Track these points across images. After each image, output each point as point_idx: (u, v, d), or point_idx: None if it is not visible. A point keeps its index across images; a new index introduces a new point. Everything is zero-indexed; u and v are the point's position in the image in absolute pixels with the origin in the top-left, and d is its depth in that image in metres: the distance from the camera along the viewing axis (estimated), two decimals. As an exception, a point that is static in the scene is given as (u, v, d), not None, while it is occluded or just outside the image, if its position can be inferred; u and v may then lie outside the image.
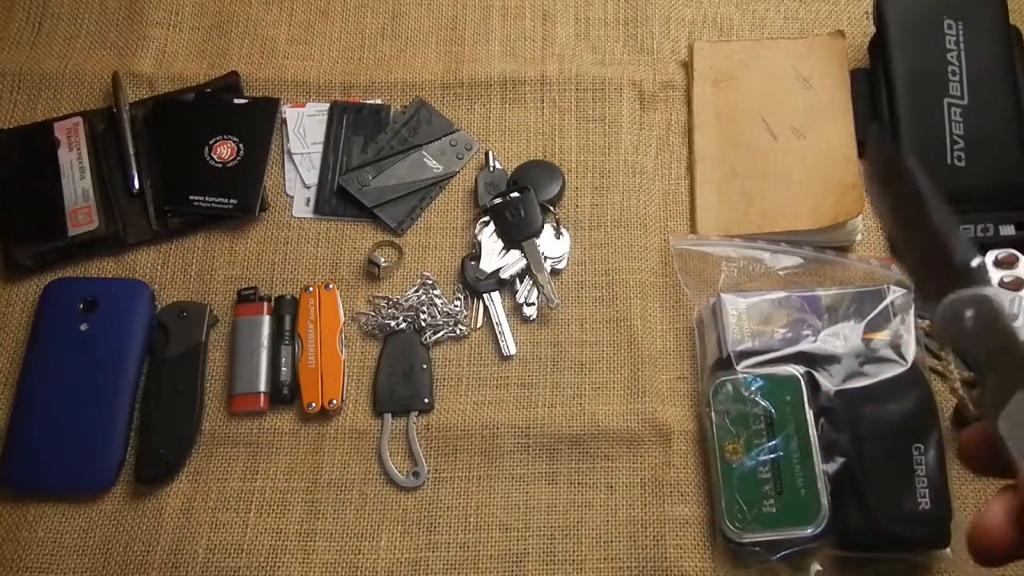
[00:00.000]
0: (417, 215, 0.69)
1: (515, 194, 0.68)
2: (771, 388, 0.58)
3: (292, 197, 0.70)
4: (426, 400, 0.63)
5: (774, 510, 0.56)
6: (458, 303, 0.66)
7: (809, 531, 0.55)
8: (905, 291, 0.60)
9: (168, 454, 0.61)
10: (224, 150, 0.70)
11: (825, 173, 0.66)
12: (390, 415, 0.63)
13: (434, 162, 0.71)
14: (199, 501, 0.61)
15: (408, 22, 0.76)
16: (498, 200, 0.68)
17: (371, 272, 0.67)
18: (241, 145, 0.70)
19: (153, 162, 0.70)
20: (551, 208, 0.68)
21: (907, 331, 0.59)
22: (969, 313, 0.35)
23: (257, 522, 0.60)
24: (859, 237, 0.66)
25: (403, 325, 0.65)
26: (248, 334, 0.65)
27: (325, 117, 0.72)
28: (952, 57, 0.67)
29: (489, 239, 0.67)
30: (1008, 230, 0.65)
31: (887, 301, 0.60)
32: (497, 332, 0.65)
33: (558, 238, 0.67)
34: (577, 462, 0.62)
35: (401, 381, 0.63)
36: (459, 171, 0.71)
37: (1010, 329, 0.34)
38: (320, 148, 0.71)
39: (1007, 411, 0.33)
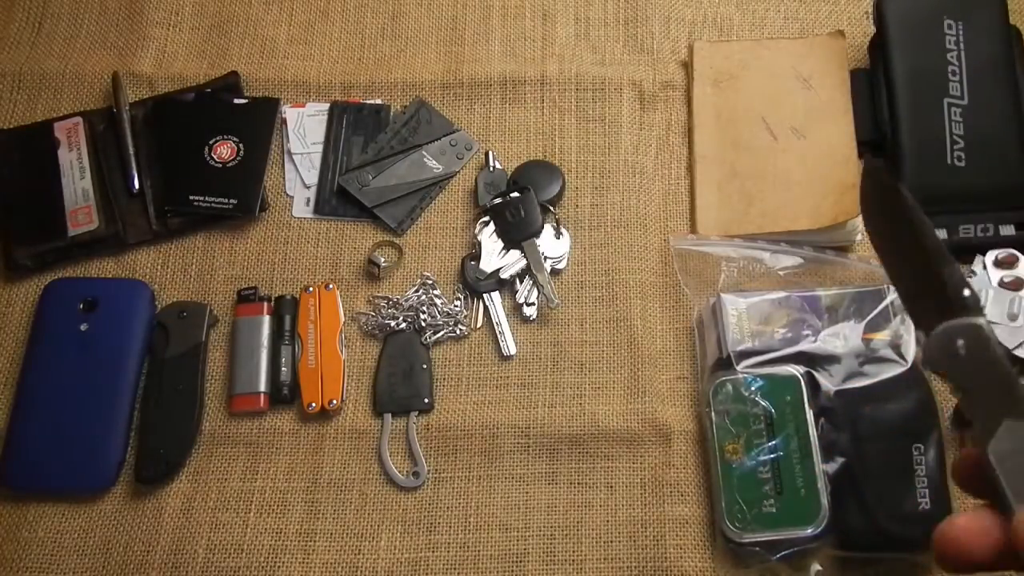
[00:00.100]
0: (417, 215, 0.69)
1: (515, 194, 0.68)
2: (771, 388, 0.58)
3: (292, 197, 0.70)
4: (426, 400, 0.63)
5: (774, 510, 0.56)
6: (458, 303, 0.66)
7: (809, 531, 0.55)
8: (905, 291, 0.60)
9: (168, 454, 0.61)
10: (224, 150, 0.70)
11: (825, 173, 0.66)
12: (390, 415, 0.63)
13: (434, 162, 0.71)
14: (199, 501, 0.61)
15: (408, 22, 0.76)
16: (498, 200, 0.68)
17: (371, 272, 0.67)
18: (241, 145, 0.70)
19: (153, 162, 0.70)
20: (551, 208, 0.68)
21: (907, 331, 0.59)
22: (960, 342, 0.36)
23: (257, 522, 0.60)
24: (859, 237, 0.66)
25: (403, 325, 0.65)
26: (248, 334, 0.65)
27: (325, 117, 0.72)
28: (952, 57, 0.67)
29: (489, 239, 0.67)
30: (1008, 230, 0.65)
31: (887, 301, 0.60)
32: (497, 332, 0.65)
33: (558, 238, 0.67)
34: (577, 462, 0.62)
35: (401, 381, 0.63)
36: (459, 171, 0.71)
37: (1001, 359, 0.35)
38: (320, 148, 0.71)
39: (996, 440, 0.34)
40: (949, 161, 0.65)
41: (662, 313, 0.66)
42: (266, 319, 0.65)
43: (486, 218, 0.68)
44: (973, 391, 0.35)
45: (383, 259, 0.67)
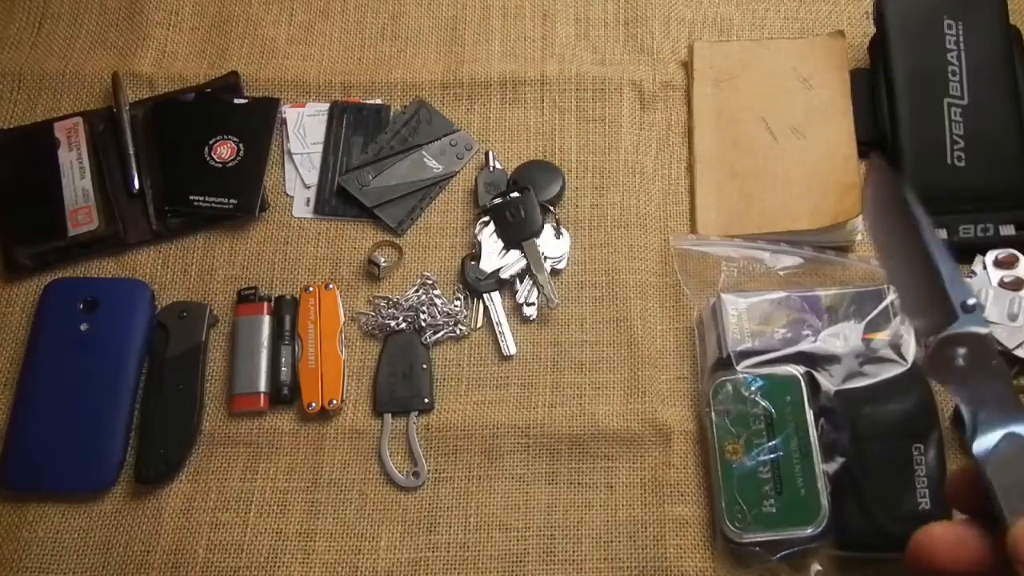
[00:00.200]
0: (417, 215, 0.69)
1: (515, 194, 0.68)
2: (771, 388, 0.58)
3: (292, 197, 0.70)
4: (426, 400, 0.63)
5: (774, 510, 0.56)
6: (458, 303, 0.66)
7: (809, 531, 0.55)
8: (905, 291, 0.60)
9: (168, 454, 0.61)
10: (224, 150, 0.70)
11: (825, 173, 0.66)
12: (390, 415, 0.63)
13: (434, 162, 0.71)
14: (199, 501, 0.61)
15: (408, 22, 0.76)
16: (498, 200, 0.68)
17: (371, 272, 0.67)
18: (241, 145, 0.70)
19: (153, 162, 0.70)
20: (551, 208, 0.68)
21: (907, 331, 0.59)
22: (962, 351, 0.35)
23: (257, 522, 0.60)
24: (859, 237, 0.66)
25: (403, 325, 0.65)
26: (248, 334, 0.65)
27: (325, 117, 0.72)
28: (952, 57, 0.67)
29: (489, 239, 0.67)
30: (1008, 230, 0.65)
31: (887, 301, 0.60)
32: (497, 332, 0.65)
33: (558, 238, 0.67)
34: (577, 462, 0.62)
35: (401, 381, 0.63)
36: (459, 171, 0.71)
37: (1003, 370, 0.35)
38: (320, 148, 0.71)
39: (994, 450, 0.34)
40: (949, 161, 0.65)
41: (662, 313, 0.66)
42: (266, 319, 0.65)
43: (486, 218, 0.68)
44: (972, 400, 0.35)
45: (383, 259, 0.67)
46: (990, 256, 0.64)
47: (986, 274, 0.63)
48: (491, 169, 0.70)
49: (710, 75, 0.72)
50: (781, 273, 0.63)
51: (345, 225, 0.69)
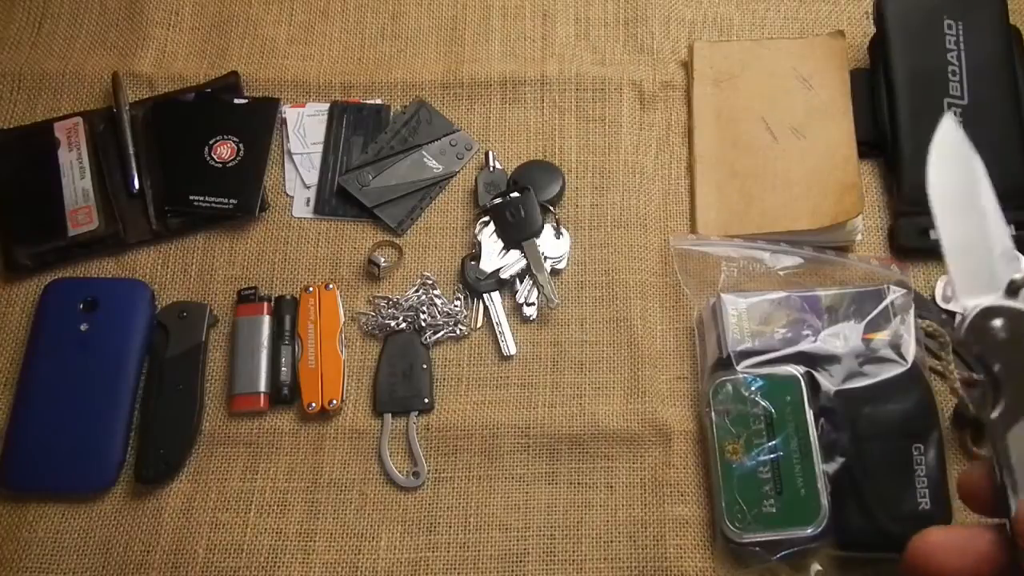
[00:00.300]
0: (417, 215, 0.69)
1: (515, 194, 0.68)
2: (771, 388, 0.58)
3: (292, 197, 0.70)
4: (426, 400, 0.63)
5: (774, 510, 0.56)
6: (458, 303, 0.66)
7: (809, 531, 0.55)
8: (905, 291, 0.60)
9: (168, 454, 0.61)
10: (224, 150, 0.70)
11: (825, 173, 0.66)
12: (390, 415, 0.63)
13: (434, 162, 0.71)
14: (199, 501, 0.61)
15: (408, 22, 0.76)
16: (498, 200, 0.68)
17: (371, 272, 0.67)
18: (241, 145, 0.70)
19: (153, 162, 0.70)
20: (551, 208, 0.68)
21: (907, 331, 0.59)
22: (999, 323, 0.35)
23: (257, 522, 0.60)
24: (859, 237, 0.66)
25: (403, 325, 0.65)
26: (248, 334, 0.65)
27: (325, 117, 0.72)
28: (952, 57, 0.67)
29: (489, 239, 0.67)
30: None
31: (887, 301, 0.60)
32: (497, 332, 0.65)
33: (558, 238, 0.67)
34: (577, 462, 0.62)
35: (401, 381, 0.63)
36: (459, 171, 0.71)
37: None
38: (320, 148, 0.71)
39: (1019, 426, 0.33)
40: (949, 161, 0.65)
41: (662, 313, 0.66)
42: (266, 319, 0.65)
43: (486, 218, 0.68)
44: (1003, 374, 0.35)
45: (383, 259, 0.67)
46: (990, 256, 0.63)
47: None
48: (491, 169, 0.70)
49: (710, 75, 0.72)
50: (781, 273, 0.63)
51: (345, 225, 0.69)
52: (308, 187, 0.70)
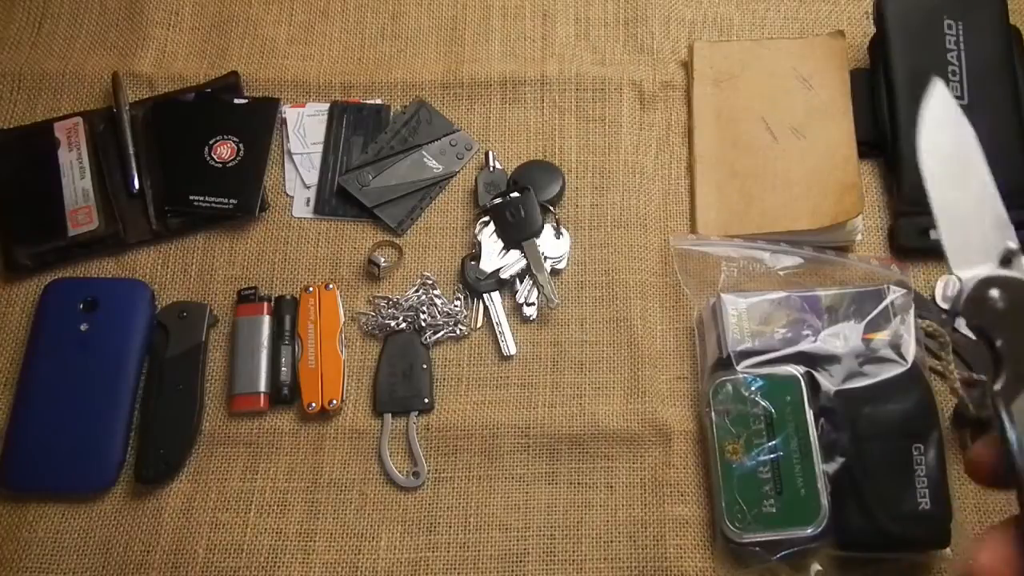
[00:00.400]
0: (417, 215, 0.69)
1: (515, 194, 0.68)
2: (771, 388, 0.58)
3: (292, 197, 0.70)
4: (426, 400, 0.63)
5: (774, 510, 0.56)
6: (458, 303, 0.66)
7: (809, 531, 0.55)
8: (905, 291, 0.60)
9: (168, 454, 0.61)
10: (224, 150, 0.70)
11: (825, 173, 0.66)
12: (390, 415, 0.63)
13: (434, 162, 0.71)
14: (199, 501, 0.61)
15: (408, 22, 0.76)
16: (498, 200, 0.68)
17: (371, 272, 0.67)
18: (241, 145, 0.70)
19: (153, 162, 0.70)
20: (551, 208, 0.68)
21: (907, 331, 0.59)
22: (997, 294, 0.35)
23: (257, 522, 0.60)
24: (859, 237, 0.66)
25: (403, 325, 0.65)
26: (248, 334, 0.65)
27: (325, 117, 0.72)
28: (952, 57, 0.67)
29: (489, 239, 0.67)
30: (1008, 230, 0.65)
31: (887, 301, 0.60)
32: (497, 332, 0.65)
33: (558, 238, 0.67)
34: (577, 462, 0.62)
35: (401, 381, 0.63)
36: (459, 171, 0.71)
37: None
38: (320, 148, 0.71)
39: (1020, 401, 0.33)
40: (949, 161, 0.65)
41: (662, 313, 0.66)
42: (266, 319, 0.65)
43: (486, 218, 0.68)
44: (1004, 346, 0.34)
45: (383, 259, 0.67)
46: (990, 256, 0.63)
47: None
48: (491, 169, 0.70)
49: (710, 75, 0.72)
50: (781, 273, 0.63)
51: (345, 225, 0.69)
52: (308, 187, 0.70)
